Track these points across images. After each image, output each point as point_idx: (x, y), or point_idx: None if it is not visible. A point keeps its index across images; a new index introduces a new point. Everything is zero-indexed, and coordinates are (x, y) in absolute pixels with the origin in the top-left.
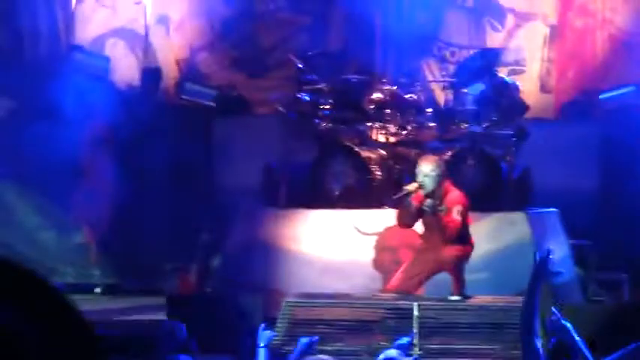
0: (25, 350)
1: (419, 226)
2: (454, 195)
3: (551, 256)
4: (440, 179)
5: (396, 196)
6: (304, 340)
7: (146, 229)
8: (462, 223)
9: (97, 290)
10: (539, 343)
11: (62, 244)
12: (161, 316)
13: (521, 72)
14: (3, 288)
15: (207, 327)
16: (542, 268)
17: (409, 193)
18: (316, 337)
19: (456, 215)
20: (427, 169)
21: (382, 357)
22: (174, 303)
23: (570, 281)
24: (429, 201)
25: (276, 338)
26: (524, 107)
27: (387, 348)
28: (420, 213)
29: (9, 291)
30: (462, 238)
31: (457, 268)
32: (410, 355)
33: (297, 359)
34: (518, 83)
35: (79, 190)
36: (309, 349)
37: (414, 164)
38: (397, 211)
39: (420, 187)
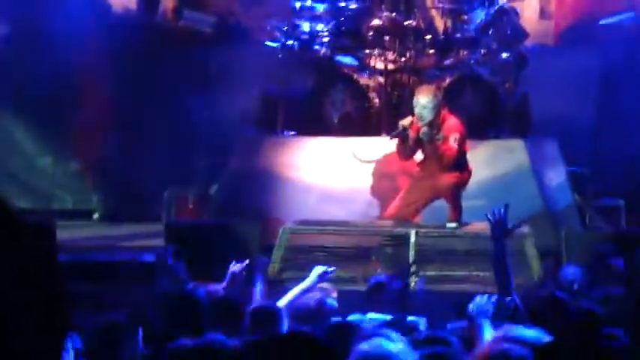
0: None
1: (417, 154)
2: (451, 123)
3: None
4: (437, 109)
5: (393, 134)
6: (320, 268)
7: (144, 157)
8: (459, 150)
9: (95, 216)
10: (518, 299)
11: (59, 171)
12: (158, 243)
13: None
14: None
15: (205, 255)
16: (500, 227)
17: (405, 129)
18: (333, 268)
19: (453, 143)
20: (424, 100)
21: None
22: (171, 230)
23: (568, 208)
24: (425, 129)
25: (273, 265)
26: (524, 34)
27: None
28: (418, 143)
29: None
30: (460, 165)
31: (454, 196)
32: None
33: (310, 288)
34: (517, 9)
35: (75, 117)
36: (322, 279)
37: (412, 91)
38: (396, 144)
39: (418, 119)
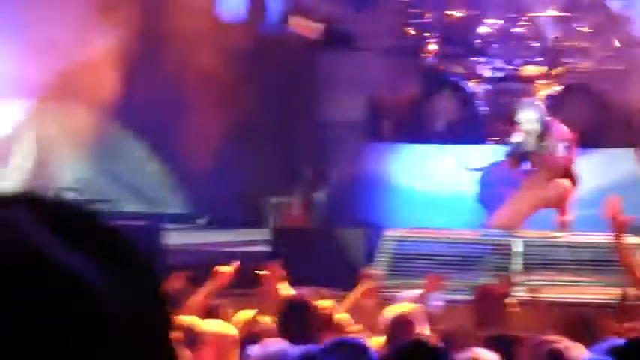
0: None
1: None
2: (558, 131)
3: None
4: (542, 120)
5: (508, 153)
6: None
7: (252, 163)
8: (568, 158)
9: (201, 221)
10: None
11: (168, 175)
12: (264, 249)
13: (634, 6)
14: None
15: (311, 261)
16: None
17: (516, 144)
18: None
19: (561, 151)
20: (527, 115)
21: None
22: (278, 236)
23: None
24: (533, 141)
25: (378, 272)
26: (636, 41)
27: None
28: (526, 154)
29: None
30: (568, 173)
31: (562, 205)
32: None
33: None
34: (629, 16)
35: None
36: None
37: (519, 99)
38: (505, 156)
39: (526, 133)
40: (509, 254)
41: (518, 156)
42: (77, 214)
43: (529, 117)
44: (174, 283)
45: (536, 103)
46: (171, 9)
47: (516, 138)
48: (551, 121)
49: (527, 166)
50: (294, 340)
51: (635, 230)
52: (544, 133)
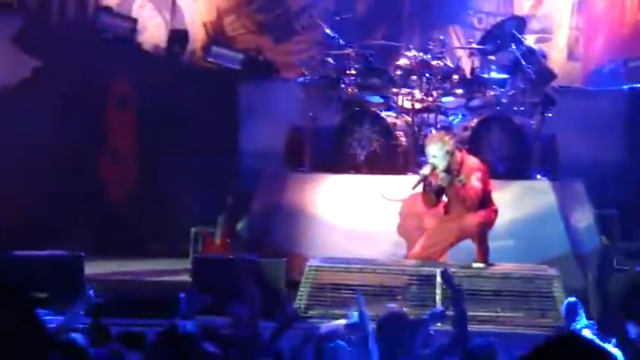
0: None
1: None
2: (470, 163)
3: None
4: (450, 154)
5: (415, 184)
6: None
7: (170, 192)
8: (483, 189)
9: None
10: None
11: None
12: (185, 279)
13: (549, 40)
14: None
15: (231, 290)
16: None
17: (426, 177)
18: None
19: (475, 182)
20: (434, 149)
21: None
22: (198, 266)
23: (595, 250)
24: (443, 175)
25: (299, 302)
26: (552, 75)
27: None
28: (441, 189)
29: None
30: (484, 205)
31: (480, 236)
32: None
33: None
34: (545, 51)
35: (102, 151)
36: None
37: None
38: (420, 192)
39: (434, 167)
40: (430, 285)
41: (429, 188)
42: None
43: (433, 153)
44: None
45: (444, 135)
46: None
47: (424, 170)
48: (461, 154)
49: (442, 198)
50: None
51: (553, 261)
52: (455, 166)
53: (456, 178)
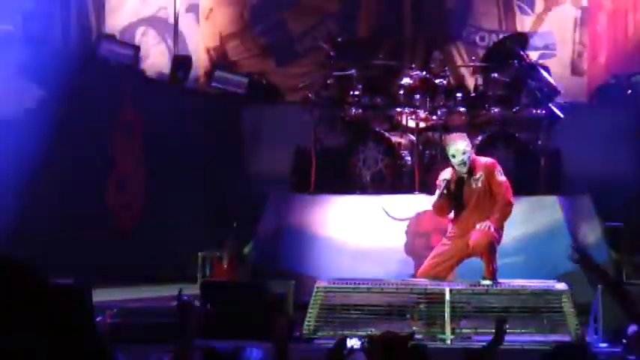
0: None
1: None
2: (484, 161)
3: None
4: (468, 155)
5: (440, 191)
6: None
7: (178, 217)
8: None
9: None
10: None
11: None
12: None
13: (552, 56)
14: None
15: (240, 313)
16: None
17: (448, 181)
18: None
19: (500, 177)
20: (462, 145)
21: None
22: (207, 290)
23: (604, 264)
24: (466, 176)
25: (308, 324)
26: (556, 91)
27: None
28: (457, 195)
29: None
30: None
31: (488, 253)
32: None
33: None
34: (549, 67)
35: (109, 179)
36: None
37: (443, 149)
38: (435, 200)
39: (458, 167)
40: (439, 303)
41: (445, 195)
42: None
43: (462, 150)
44: None
45: (465, 137)
46: None
47: (445, 175)
48: (472, 157)
49: (452, 215)
50: None
51: (562, 277)
52: (471, 169)
53: (472, 178)
